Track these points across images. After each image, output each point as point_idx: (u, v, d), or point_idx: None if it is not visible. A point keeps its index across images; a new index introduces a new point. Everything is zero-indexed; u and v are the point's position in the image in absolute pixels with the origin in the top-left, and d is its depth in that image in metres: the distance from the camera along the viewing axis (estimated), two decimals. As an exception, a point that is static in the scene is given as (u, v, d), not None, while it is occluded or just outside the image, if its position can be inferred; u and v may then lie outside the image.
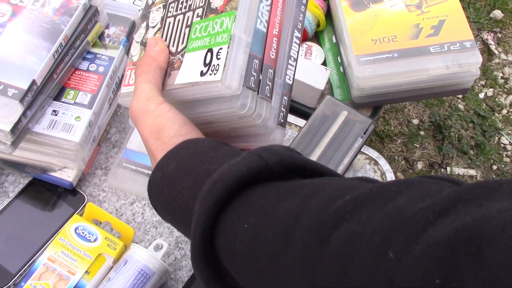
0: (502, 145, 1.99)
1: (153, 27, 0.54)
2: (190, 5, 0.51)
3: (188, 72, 0.47)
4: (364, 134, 0.72)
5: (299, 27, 0.52)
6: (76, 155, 0.71)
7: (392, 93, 0.83)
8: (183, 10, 0.51)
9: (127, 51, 0.75)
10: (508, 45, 2.23)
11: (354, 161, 0.83)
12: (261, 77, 0.47)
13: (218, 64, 0.45)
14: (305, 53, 0.90)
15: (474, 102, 2.06)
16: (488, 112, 2.05)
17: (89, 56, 0.74)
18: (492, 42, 2.23)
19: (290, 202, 0.35)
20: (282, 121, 0.51)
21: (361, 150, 0.84)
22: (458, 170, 1.92)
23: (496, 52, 2.21)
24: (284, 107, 0.51)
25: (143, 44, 0.53)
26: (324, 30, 0.93)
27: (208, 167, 0.41)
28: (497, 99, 2.09)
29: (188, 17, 0.50)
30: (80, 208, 0.73)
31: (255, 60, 0.46)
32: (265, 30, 0.48)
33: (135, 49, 0.54)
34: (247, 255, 0.36)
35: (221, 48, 0.45)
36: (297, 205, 0.34)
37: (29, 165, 0.73)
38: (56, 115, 0.69)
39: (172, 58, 0.50)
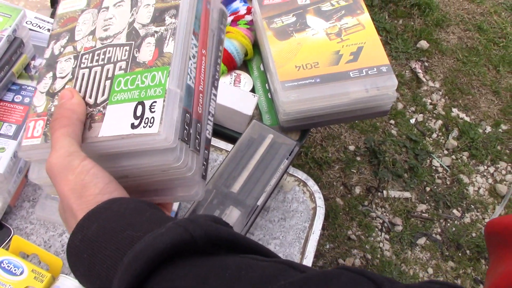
0: (433, 167, 2.09)
1: (62, 77, 0.52)
2: (109, 58, 0.50)
3: (115, 124, 0.47)
4: (289, 155, 0.75)
5: (216, 85, 0.54)
6: (0, 187, 0.69)
7: (317, 117, 0.86)
8: (101, 62, 0.51)
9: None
10: (435, 73, 2.36)
11: (284, 183, 0.86)
12: (191, 131, 0.48)
13: (153, 117, 0.46)
14: (234, 81, 0.93)
15: (406, 128, 2.16)
16: (419, 136, 2.15)
17: (14, 87, 0.74)
18: (420, 71, 2.36)
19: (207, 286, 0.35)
20: (204, 174, 0.52)
21: (291, 172, 0.87)
22: (394, 193, 1.99)
23: (424, 79, 2.33)
24: (205, 161, 0.52)
25: (49, 94, 0.52)
26: (252, 59, 0.97)
27: (131, 234, 0.40)
28: (427, 124, 2.20)
29: (108, 70, 0.50)
30: (6, 242, 0.71)
31: (186, 114, 0.47)
32: (193, 86, 0.49)
33: (39, 99, 0.52)
34: None
35: (155, 102, 0.46)
36: None
37: (-49, 200, 0.71)
38: (-22, 147, 0.68)
39: (91, 110, 0.49)
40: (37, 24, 0.90)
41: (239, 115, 0.85)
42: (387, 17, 2.51)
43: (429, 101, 2.27)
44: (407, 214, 1.95)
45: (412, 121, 2.19)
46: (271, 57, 0.87)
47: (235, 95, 0.86)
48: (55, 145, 0.46)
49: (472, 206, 2.02)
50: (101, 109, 0.48)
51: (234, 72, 0.94)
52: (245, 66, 0.97)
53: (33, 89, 0.74)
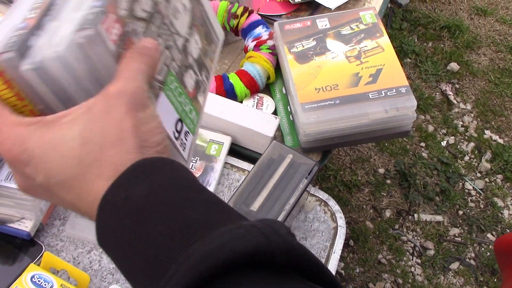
0: (466, 190, 2.06)
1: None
2: (169, 47, 0.45)
3: (165, 117, 0.43)
4: (308, 175, 0.77)
5: None
6: (33, 205, 0.73)
7: (338, 137, 0.88)
8: (165, 38, 0.45)
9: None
10: (466, 95, 2.34)
11: (305, 203, 0.87)
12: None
13: (185, 144, 0.46)
14: (257, 104, 0.95)
15: (437, 150, 2.14)
16: (451, 159, 2.12)
17: None
18: (450, 93, 2.34)
19: None
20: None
21: (312, 192, 0.88)
22: (425, 217, 1.96)
23: (455, 101, 2.31)
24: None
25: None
26: (274, 82, 1.00)
27: (192, 216, 0.33)
28: (458, 146, 2.17)
29: (166, 57, 0.45)
30: (38, 258, 0.75)
31: None
32: None
33: None
34: None
35: (188, 132, 0.47)
36: None
37: (-12, 218, 0.75)
38: (13, 167, 0.72)
39: None
40: None
41: (260, 137, 0.87)
42: (416, 40, 2.51)
43: (461, 123, 2.25)
44: (439, 238, 1.92)
45: (444, 143, 2.17)
46: (291, 80, 0.90)
47: (257, 117, 0.88)
48: (135, 75, 0.38)
49: (508, 230, 1.97)
50: (157, 86, 0.43)
51: (257, 95, 0.97)
52: (268, 89, 1.00)
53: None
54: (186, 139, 0.46)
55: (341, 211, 0.87)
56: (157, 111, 0.39)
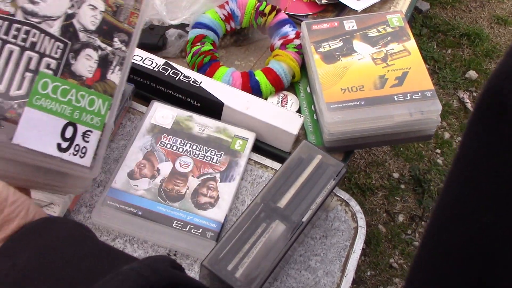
0: (480, 198, 2.05)
1: None
2: (33, 44, 0.40)
3: (37, 137, 0.40)
4: (336, 176, 0.77)
5: None
6: (62, 191, 0.75)
7: (361, 138, 0.89)
8: (20, 43, 0.39)
9: None
10: (483, 104, 2.33)
11: (326, 202, 0.88)
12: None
13: (85, 147, 0.43)
14: (281, 101, 0.96)
15: (452, 157, 2.13)
16: (466, 166, 2.12)
17: None
18: (468, 101, 2.34)
19: None
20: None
21: (333, 191, 0.89)
22: (439, 223, 1.96)
23: (472, 110, 2.31)
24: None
25: None
26: (299, 81, 1.01)
27: (72, 275, 0.35)
28: (474, 155, 2.17)
29: (31, 58, 0.40)
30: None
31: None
32: None
33: None
34: None
35: (90, 131, 0.43)
36: None
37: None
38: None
39: (0, 100, 0.39)
40: None
41: (284, 134, 0.88)
42: (435, 46, 2.51)
43: (477, 131, 2.24)
44: (452, 244, 1.92)
45: (459, 151, 2.17)
46: (317, 80, 0.90)
47: (282, 115, 0.89)
48: None
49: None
50: (16, 106, 0.39)
51: (282, 93, 0.98)
52: (292, 87, 1.01)
53: None
54: (86, 141, 0.42)
55: (361, 211, 0.88)
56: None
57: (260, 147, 0.92)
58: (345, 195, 0.89)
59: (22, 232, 0.37)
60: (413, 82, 0.89)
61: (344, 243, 0.85)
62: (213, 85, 0.90)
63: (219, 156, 0.85)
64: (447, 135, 2.21)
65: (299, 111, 0.97)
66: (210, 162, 0.84)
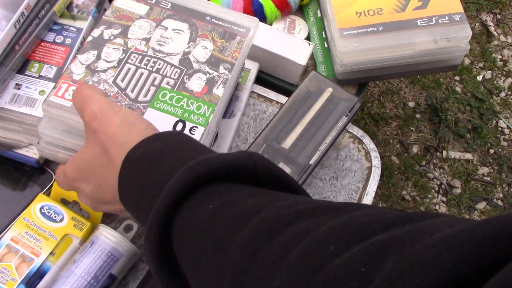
0: (499, 128, 1.96)
1: (107, 61, 0.58)
2: (158, 69, 0.58)
3: (157, 123, 0.51)
4: (349, 112, 0.69)
5: None
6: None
7: (377, 69, 0.79)
8: (149, 68, 0.58)
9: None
10: (508, 27, 2.18)
11: (337, 140, 0.80)
12: None
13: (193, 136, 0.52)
14: (288, 27, 0.86)
15: (472, 85, 2.02)
16: (486, 95, 2.01)
17: (55, 27, 0.70)
18: (491, 24, 2.19)
19: (258, 199, 0.37)
20: None
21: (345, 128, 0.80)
22: (454, 154, 1.88)
23: (495, 33, 2.16)
24: None
25: (90, 69, 0.56)
26: (309, 4, 0.89)
27: (194, 155, 0.42)
28: (495, 82, 2.05)
29: (155, 78, 0.58)
30: (48, 187, 0.70)
31: None
32: None
33: (78, 68, 0.56)
34: (202, 229, 0.37)
35: (196, 127, 0.56)
36: (264, 202, 0.36)
37: (-6, 142, 0.70)
38: (19, 89, 0.65)
39: (130, 103, 0.56)
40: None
41: (291, 65, 0.79)
42: (459, -36, 2.32)
43: (500, 57, 2.11)
44: (467, 176, 1.85)
45: (479, 78, 2.05)
46: (329, 2, 0.79)
47: (288, 42, 0.79)
48: (91, 98, 0.48)
49: (540, 172, 1.89)
50: (141, 107, 0.56)
51: (289, 18, 0.87)
52: (301, 11, 0.90)
53: (75, 29, 0.70)
54: (192, 134, 0.55)
55: (376, 149, 0.80)
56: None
57: (263, 79, 0.82)
58: (358, 132, 0.81)
59: (156, 134, 0.46)
60: (439, 3, 0.78)
61: (356, 184, 0.77)
62: (211, 9, 0.81)
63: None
64: (467, 60, 2.08)
65: (308, 38, 0.86)
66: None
